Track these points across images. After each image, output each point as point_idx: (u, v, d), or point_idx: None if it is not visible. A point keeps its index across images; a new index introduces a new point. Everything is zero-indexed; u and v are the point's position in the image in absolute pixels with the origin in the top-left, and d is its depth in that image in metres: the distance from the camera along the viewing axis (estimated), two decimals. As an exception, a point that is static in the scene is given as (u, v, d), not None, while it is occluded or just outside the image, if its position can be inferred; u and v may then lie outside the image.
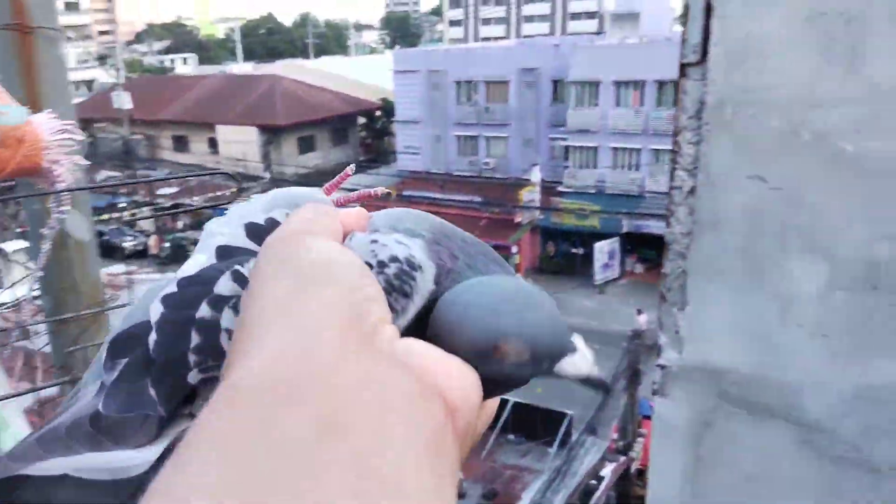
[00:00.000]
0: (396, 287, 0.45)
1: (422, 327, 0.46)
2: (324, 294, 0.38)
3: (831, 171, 1.31)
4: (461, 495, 12.62)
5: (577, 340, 0.46)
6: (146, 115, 40.81)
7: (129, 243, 33.54)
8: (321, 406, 0.33)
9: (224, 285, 0.48)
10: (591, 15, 64.09)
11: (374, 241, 0.47)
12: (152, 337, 0.47)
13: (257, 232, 0.51)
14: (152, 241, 33.16)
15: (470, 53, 35.54)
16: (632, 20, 33.67)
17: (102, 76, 52.25)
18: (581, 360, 0.46)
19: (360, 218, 0.51)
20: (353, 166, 0.66)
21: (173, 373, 0.46)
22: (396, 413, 0.34)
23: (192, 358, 0.46)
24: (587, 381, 0.47)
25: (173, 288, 0.50)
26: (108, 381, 0.48)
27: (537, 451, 14.10)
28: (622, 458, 14.31)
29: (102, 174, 38.01)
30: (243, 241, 0.52)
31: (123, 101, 37.77)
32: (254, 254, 0.47)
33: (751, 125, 1.41)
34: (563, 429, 14.11)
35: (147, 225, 36.50)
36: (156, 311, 0.48)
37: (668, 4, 37.91)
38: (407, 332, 0.42)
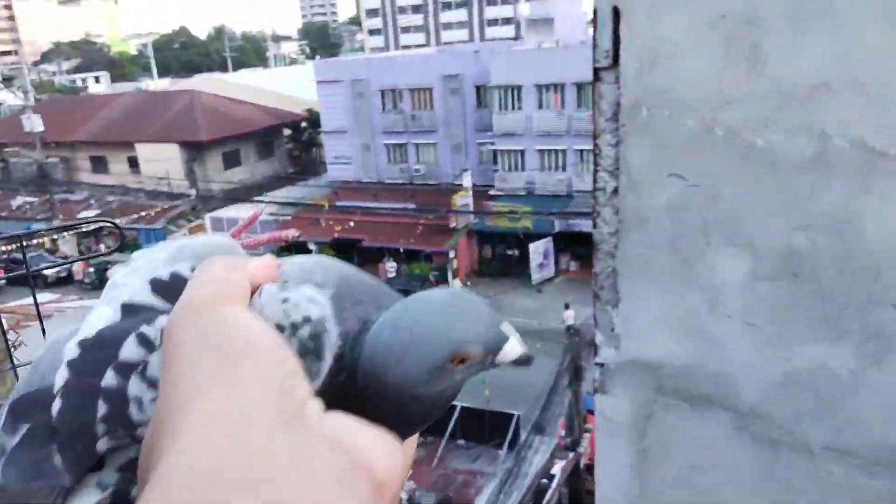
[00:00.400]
0: (311, 349, 0.45)
1: (334, 386, 0.46)
2: (248, 374, 0.38)
3: (745, 165, 1.36)
4: (415, 505, 12.59)
5: (506, 326, 0.48)
6: (60, 136, 39.14)
7: (51, 271, 32.16)
8: (259, 492, 0.33)
9: (129, 350, 0.47)
10: (507, 21, 65.19)
11: (285, 300, 0.47)
12: (57, 404, 0.46)
13: (162, 288, 0.50)
14: (76, 266, 31.88)
15: (392, 62, 35.57)
16: (546, 25, 34.40)
17: (10, 98, 49.87)
18: (515, 345, 0.48)
19: (269, 269, 0.50)
20: (261, 208, 0.64)
21: (80, 441, 0.45)
22: (329, 491, 0.35)
23: (99, 427, 0.45)
24: (519, 362, 0.49)
25: (76, 351, 0.48)
26: (9, 446, 0.45)
27: (488, 454, 14.18)
28: (571, 455, 14.54)
29: (18, 199, 36.25)
30: (148, 297, 0.50)
31: (34, 123, 36.14)
32: (159, 312, 0.47)
33: (666, 125, 1.45)
34: (511, 430, 14.23)
35: (70, 249, 35.05)
36: (60, 377, 0.47)
37: (580, 10, 38.89)
38: (321, 393, 0.42)
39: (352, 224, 30.28)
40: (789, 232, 1.33)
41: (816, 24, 1.53)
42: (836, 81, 1.45)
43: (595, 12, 1.68)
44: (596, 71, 1.66)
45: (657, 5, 1.57)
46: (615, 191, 1.52)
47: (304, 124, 44.05)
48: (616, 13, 1.61)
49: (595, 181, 1.59)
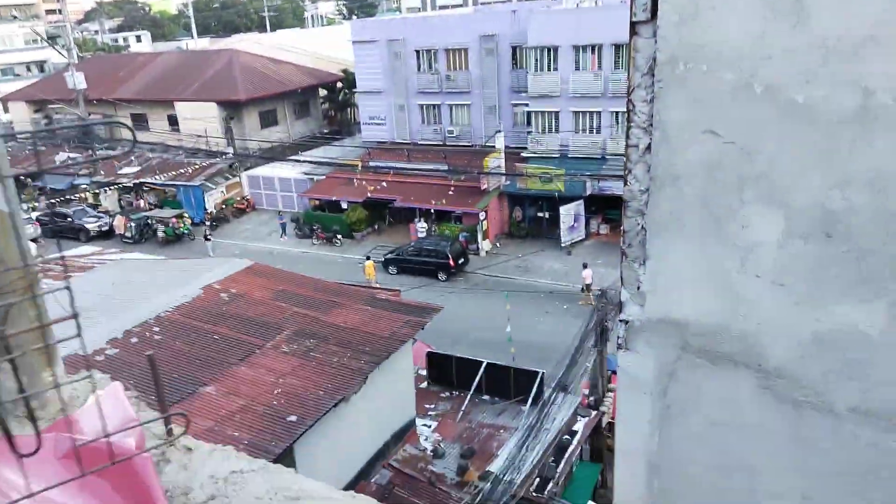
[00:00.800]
0: None
1: None
2: None
3: (784, 122, 1.33)
4: (440, 455, 12.78)
5: None
6: (103, 94, 39.64)
7: (92, 224, 32.87)
8: None
9: None
10: (548, -22, 63.45)
11: None
12: None
13: None
14: (117, 221, 32.47)
15: (428, 21, 35.07)
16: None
17: (54, 56, 50.53)
18: None
19: None
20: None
21: None
22: None
23: None
24: None
25: None
26: None
27: (512, 409, 14.33)
28: (594, 413, 14.58)
29: (62, 155, 36.95)
30: None
31: (77, 80, 36.53)
32: None
33: (703, 80, 1.42)
34: (535, 387, 14.34)
35: (111, 205, 35.68)
36: None
37: (624, -36, 37.64)
38: None
39: (384, 184, 30.31)
40: (826, 190, 1.30)
41: (865, -24, 1.47)
42: (884, 35, 1.39)
43: (633, -35, 1.64)
44: (633, 25, 1.62)
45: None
46: (648, 147, 1.50)
47: (339, 84, 43.88)
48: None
49: (628, 138, 1.57)
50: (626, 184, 1.48)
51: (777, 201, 1.36)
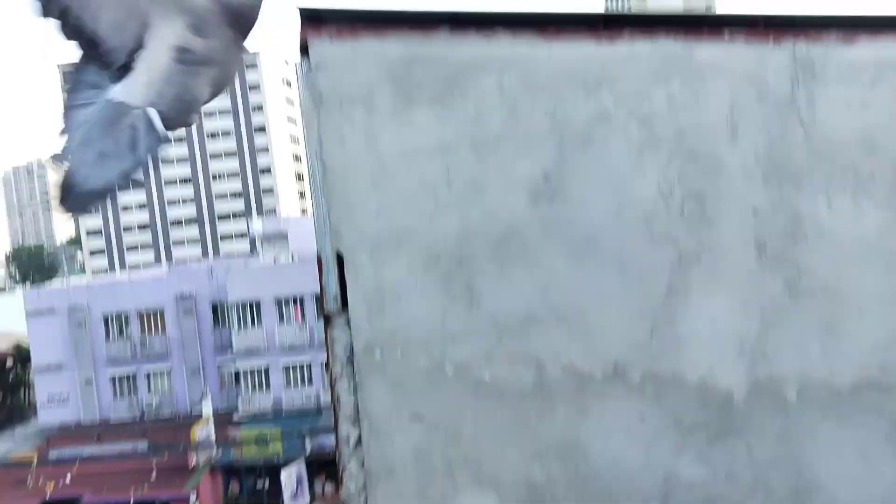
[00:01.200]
0: None
1: None
2: None
3: (477, 400, 1.41)
4: None
5: None
6: None
7: None
8: None
9: None
10: (241, 235, 65.94)
11: None
12: None
13: None
14: None
15: (117, 285, 33.38)
16: (281, 239, 35.40)
17: None
18: None
19: None
20: None
21: None
22: None
23: None
24: None
25: None
26: None
27: None
28: None
29: None
30: None
31: None
32: None
33: (400, 366, 1.46)
34: None
35: None
36: None
37: (312, 225, 40.76)
38: None
39: (69, 478, 25.88)
40: (527, 463, 1.38)
41: (518, 261, 1.73)
42: (542, 312, 1.61)
43: (319, 259, 1.72)
44: (327, 317, 1.66)
45: (379, 249, 1.65)
46: (359, 441, 1.48)
47: (8, 363, 38.37)
48: (340, 259, 1.67)
49: (337, 433, 1.53)
50: (340, 484, 1.40)
51: (487, 482, 1.39)
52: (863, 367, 1.83)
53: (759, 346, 1.68)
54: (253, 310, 29.16)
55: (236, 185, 70.18)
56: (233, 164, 70.22)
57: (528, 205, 1.68)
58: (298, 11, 1.49)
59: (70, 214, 1.58)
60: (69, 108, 1.45)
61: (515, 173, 1.65)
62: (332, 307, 1.59)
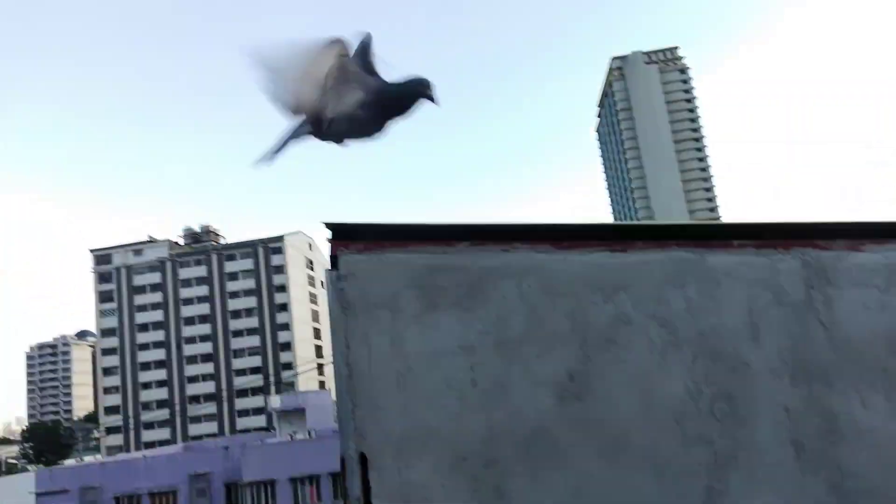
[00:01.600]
0: None
1: None
2: None
3: None
4: None
5: None
6: None
7: None
8: None
9: None
10: (258, 411, 64.86)
11: None
12: None
13: None
14: None
15: (131, 464, 32.47)
16: (298, 415, 34.76)
17: None
18: None
19: None
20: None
21: None
22: None
23: None
24: None
25: None
26: None
27: None
28: None
29: None
30: None
31: None
32: None
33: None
34: None
35: None
36: None
37: (330, 400, 40.19)
38: None
39: None
40: None
41: (548, 463, 1.69)
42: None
43: (342, 460, 1.69)
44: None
45: (403, 451, 1.63)
46: None
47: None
48: (364, 460, 1.64)
49: None
50: None
51: None
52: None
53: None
54: (268, 490, 28.03)
55: (256, 361, 70.37)
56: (254, 341, 70.93)
57: (554, 404, 1.68)
58: (326, 226, 1.60)
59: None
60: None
61: (540, 373, 1.67)
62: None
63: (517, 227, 1.70)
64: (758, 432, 1.63)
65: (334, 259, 1.63)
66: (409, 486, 1.60)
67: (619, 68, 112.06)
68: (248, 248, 72.38)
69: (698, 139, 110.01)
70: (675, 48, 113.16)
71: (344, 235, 1.64)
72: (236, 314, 71.03)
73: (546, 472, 1.65)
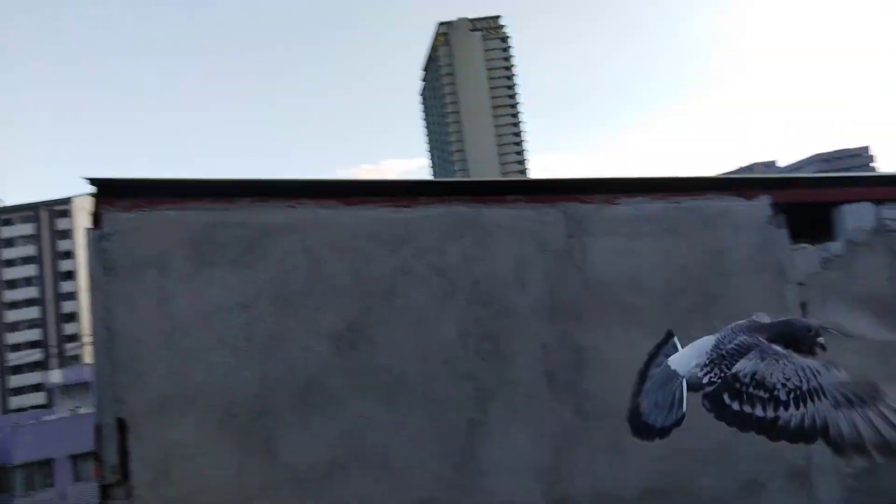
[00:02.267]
0: None
1: None
2: None
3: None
4: None
5: None
6: None
7: None
8: None
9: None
10: (36, 388, 58.62)
11: None
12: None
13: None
14: None
15: None
16: (82, 389, 31.88)
17: None
18: None
19: None
20: None
21: None
22: None
23: None
24: None
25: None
26: None
27: None
28: None
29: None
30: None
31: None
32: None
33: (190, 538, 1.33)
34: None
35: None
36: None
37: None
38: None
39: None
40: None
41: (323, 411, 1.68)
42: (346, 458, 1.55)
43: (97, 428, 1.55)
44: (104, 489, 1.48)
45: (166, 412, 1.53)
46: None
47: None
48: (122, 425, 1.52)
49: None
50: None
51: None
52: (647, 478, 1.96)
53: (553, 468, 1.75)
54: (44, 470, 25.49)
55: (35, 334, 63.31)
56: (33, 313, 63.73)
57: (331, 354, 1.68)
58: (90, 182, 1.44)
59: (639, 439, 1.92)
60: (650, 364, 2.01)
61: (319, 326, 1.66)
62: (111, 479, 1.45)
63: (303, 182, 1.66)
64: (517, 368, 1.74)
65: (97, 217, 1.49)
66: (172, 445, 1.53)
67: (445, 34, 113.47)
68: (30, 210, 64.04)
69: (514, 105, 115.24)
70: (498, 17, 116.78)
71: (111, 192, 1.49)
72: (12, 284, 63.09)
73: (319, 419, 1.65)
